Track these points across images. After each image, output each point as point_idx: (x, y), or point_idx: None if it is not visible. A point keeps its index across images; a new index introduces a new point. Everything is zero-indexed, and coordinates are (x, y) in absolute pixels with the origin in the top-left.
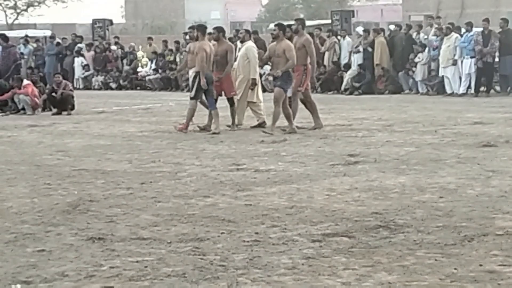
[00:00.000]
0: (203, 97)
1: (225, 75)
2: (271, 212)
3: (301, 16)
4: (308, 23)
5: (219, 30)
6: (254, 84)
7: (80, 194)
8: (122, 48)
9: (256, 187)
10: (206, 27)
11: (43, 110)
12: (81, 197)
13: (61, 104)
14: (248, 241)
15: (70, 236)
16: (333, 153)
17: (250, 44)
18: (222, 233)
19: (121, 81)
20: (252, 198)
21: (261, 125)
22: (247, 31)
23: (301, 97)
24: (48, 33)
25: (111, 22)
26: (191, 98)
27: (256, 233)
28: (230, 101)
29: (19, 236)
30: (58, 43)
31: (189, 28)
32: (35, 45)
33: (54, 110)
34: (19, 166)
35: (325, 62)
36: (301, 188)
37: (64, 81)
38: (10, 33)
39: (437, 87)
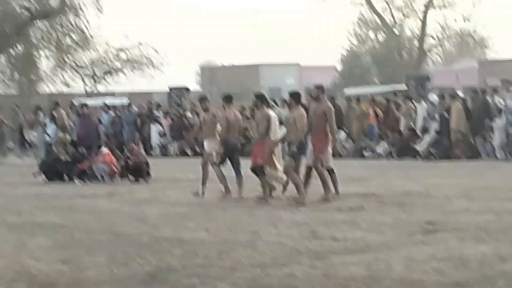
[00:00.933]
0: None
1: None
2: (349, 283)
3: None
4: (382, 88)
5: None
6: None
7: (158, 263)
8: (198, 115)
9: (333, 256)
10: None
11: (121, 177)
12: (159, 266)
13: (136, 172)
14: None
15: None
16: (411, 220)
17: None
18: None
19: (197, 148)
20: (330, 267)
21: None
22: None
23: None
24: (125, 100)
25: (187, 89)
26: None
27: None
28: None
29: None
30: (135, 111)
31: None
32: (113, 113)
33: (132, 178)
34: (98, 235)
35: (401, 128)
36: (379, 257)
37: (136, 148)
38: (88, 101)
39: None
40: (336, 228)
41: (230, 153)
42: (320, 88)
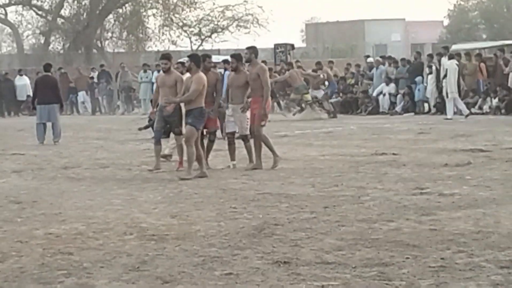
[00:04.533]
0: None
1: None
2: (456, 237)
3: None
4: (491, 43)
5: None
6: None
7: (265, 217)
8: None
9: (440, 212)
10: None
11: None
12: (266, 220)
13: None
14: (434, 267)
15: (256, 259)
16: None
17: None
18: (407, 258)
19: (303, 105)
20: (437, 222)
21: (166, 156)
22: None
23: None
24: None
25: (292, 46)
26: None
27: (442, 258)
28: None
29: (207, 259)
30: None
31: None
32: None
33: None
34: (205, 190)
35: (510, 84)
36: (487, 213)
37: None
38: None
39: None
40: (443, 184)
41: None
42: (251, 49)
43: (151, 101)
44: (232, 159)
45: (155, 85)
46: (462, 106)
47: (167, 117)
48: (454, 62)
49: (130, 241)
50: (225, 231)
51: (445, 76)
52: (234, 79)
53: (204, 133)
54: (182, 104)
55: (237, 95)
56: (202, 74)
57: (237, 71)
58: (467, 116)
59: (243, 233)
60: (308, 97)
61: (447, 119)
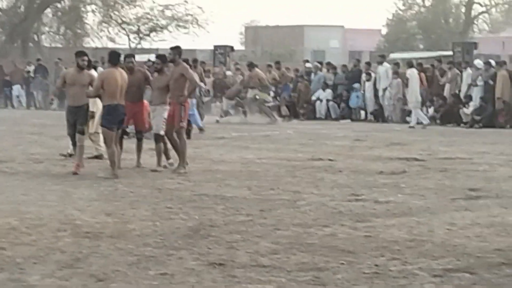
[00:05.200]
0: None
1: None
2: (391, 245)
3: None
4: (428, 54)
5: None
6: (91, 116)
7: (201, 219)
8: (242, 74)
9: (375, 219)
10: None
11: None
12: (201, 222)
13: None
14: (368, 273)
15: (192, 260)
16: (454, 186)
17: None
18: (342, 263)
19: (240, 108)
20: (372, 229)
21: (98, 157)
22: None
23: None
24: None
25: (232, 48)
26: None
27: (376, 265)
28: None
29: (141, 259)
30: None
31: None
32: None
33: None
34: (141, 189)
35: (446, 94)
36: (421, 221)
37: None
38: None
39: None
40: (378, 191)
41: None
42: (175, 49)
43: None
44: (167, 158)
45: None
46: (422, 115)
47: (74, 114)
48: (414, 70)
49: (64, 238)
50: (160, 231)
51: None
52: (157, 80)
53: (127, 132)
54: (90, 103)
55: (158, 97)
56: (104, 72)
57: (161, 72)
58: (424, 126)
59: (179, 234)
60: (269, 97)
61: (411, 126)
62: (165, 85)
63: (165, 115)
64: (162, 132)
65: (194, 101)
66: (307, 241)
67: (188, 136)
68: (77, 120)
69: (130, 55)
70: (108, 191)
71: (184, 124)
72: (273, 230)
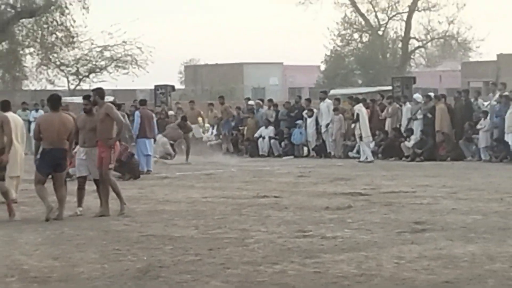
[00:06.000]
0: None
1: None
2: (340, 280)
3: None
4: (368, 89)
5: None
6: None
7: (150, 260)
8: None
9: (324, 254)
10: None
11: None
12: (150, 262)
13: (131, 169)
14: None
15: None
16: (399, 220)
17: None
18: None
19: (182, 147)
20: (321, 265)
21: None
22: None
23: (96, 177)
24: (110, 98)
25: (173, 88)
26: None
27: None
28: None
29: None
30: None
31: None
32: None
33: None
34: (87, 231)
35: (387, 128)
36: (369, 256)
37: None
38: (73, 99)
39: (502, 155)
40: (325, 227)
41: None
42: (96, 90)
43: None
44: (79, 205)
45: (32, 124)
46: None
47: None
48: (362, 105)
49: (12, 283)
50: (109, 273)
51: (357, 120)
52: (86, 121)
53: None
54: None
55: (91, 138)
56: (42, 116)
57: (90, 113)
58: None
59: (128, 275)
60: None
61: (361, 161)
62: (95, 126)
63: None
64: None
65: (151, 141)
66: (257, 279)
67: (137, 176)
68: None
69: (86, 96)
70: (54, 235)
71: (112, 166)
72: (222, 269)
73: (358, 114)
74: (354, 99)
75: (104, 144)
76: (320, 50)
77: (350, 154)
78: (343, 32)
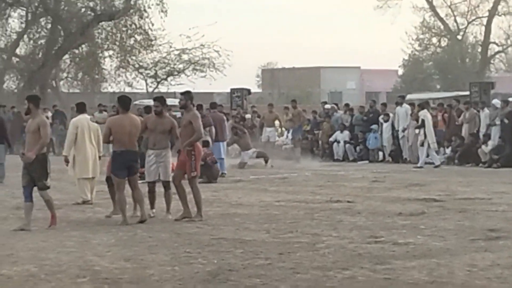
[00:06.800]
0: None
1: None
2: (411, 287)
3: (438, 86)
4: (445, 94)
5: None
6: (66, 161)
7: (220, 263)
8: (259, 116)
9: (395, 261)
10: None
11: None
12: (220, 266)
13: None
14: None
15: None
16: (473, 227)
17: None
18: None
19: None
20: (391, 271)
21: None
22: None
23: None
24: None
25: (249, 91)
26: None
27: None
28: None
29: None
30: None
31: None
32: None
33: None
34: (159, 234)
35: (463, 134)
36: (441, 263)
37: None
38: (150, 102)
39: None
40: (398, 233)
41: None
42: (186, 94)
43: None
44: (152, 207)
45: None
46: (435, 156)
47: (28, 167)
48: (427, 111)
49: (83, 284)
50: (179, 276)
51: (421, 125)
52: (158, 123)
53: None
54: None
55: (161, 140)
56: (113, 118)
57: (161, 115)
58: (437, 166)
59: (198, 278)
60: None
61: (418, 167)
62: (168, 129)
63: (170, 160)
64: (170, 179)
65: (224, 144)
66: (326, 284)
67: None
68: (32, 172)
69: (157, 98)
70: (127, 236)
71: (196, 173)
72: (292, 273)
73: (423, 120)
74: (419, 105)
75: (184, 152)
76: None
77: (426, 160)
78: (422, 36)
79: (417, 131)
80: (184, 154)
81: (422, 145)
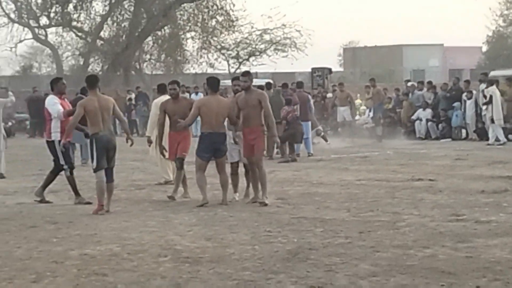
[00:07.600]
0: None
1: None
2: (492, 265)
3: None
4: None
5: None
6: (149, 141)
7: (300, 242)
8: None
9: (476, 239)
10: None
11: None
12: (300, 245)
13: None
14: None
15: (290, 284)
16: None
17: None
18: (442, 285)
19: (339, 129)
20: (473, 250)
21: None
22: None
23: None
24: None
25: (330, 70)
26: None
27: (478, 286)
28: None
29: (240, 283)
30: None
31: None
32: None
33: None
34: (240, 213)
35: None
36: None
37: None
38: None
39: None
40: (480, 211)
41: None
42: (246, 74)
43: None
44: (235, 191)
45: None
46: (501, 133)
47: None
48: (496, 88)
49: (165, 263)
50: (259, 255)
51: (489, 102)
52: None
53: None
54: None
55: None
56: (202, 99)
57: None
58: (502, 144)
59: (277, 257)
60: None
61: (500, 144)
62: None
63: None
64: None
65: (309, 123)
66: (407, 263)
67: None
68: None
69: (173, 82)
70: (208, 216)
71: (262, 153)
72: (372, 252)
73: (491, 96)
74: (489, 81)
75: (255, 130)
76: (482, 30)
77: (510, 136)
78: (506, 12)
79: (484, 107)
80: (254, 134)
81: (492, 122)
